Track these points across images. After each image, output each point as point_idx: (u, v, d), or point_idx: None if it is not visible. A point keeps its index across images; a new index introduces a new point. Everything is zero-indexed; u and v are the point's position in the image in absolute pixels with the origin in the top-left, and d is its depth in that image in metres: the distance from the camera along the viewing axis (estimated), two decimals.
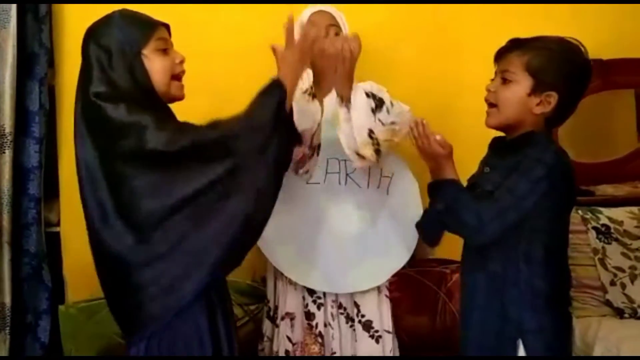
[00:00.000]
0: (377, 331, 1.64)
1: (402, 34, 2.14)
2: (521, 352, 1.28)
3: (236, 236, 1.20)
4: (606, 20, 2.13)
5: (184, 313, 1.21)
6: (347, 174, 1.64)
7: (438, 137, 1.36)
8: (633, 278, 1.93)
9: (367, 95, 1.56)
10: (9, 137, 1.98)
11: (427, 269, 2.04)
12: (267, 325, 1.71)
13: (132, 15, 1.31)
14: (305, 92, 1.35)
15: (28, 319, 2.09)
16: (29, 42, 2.02)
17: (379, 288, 1.66)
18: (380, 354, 1.64)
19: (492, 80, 1.36)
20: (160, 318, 1.21)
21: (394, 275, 2.00)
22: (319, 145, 1.47)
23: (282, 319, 1.65)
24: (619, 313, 1.92)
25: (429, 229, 1.46)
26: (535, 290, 1.29)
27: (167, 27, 1.34)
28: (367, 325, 1.64)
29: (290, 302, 1.64)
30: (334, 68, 1.37)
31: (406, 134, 1.46)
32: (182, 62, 1.34)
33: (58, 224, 2.17)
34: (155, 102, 1.29)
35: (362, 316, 1.64)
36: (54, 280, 2.11)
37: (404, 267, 2.04)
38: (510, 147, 1.34)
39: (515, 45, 1.33)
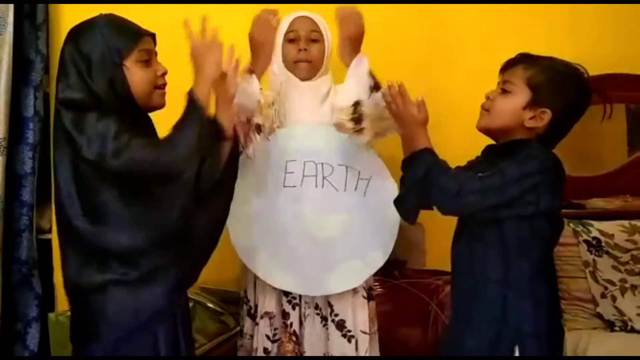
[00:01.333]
0: (349, 331, 1.64)
1: (395, 35, 2.16)
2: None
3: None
4: (599, 35, 2.16)
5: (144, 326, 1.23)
6: (324, 177, 1.65)
7: (419, 99, 1.35)
8: (623, 291, 1.94)
9: (370, 73, 1.62)
10: (2, 143, 1.98)
11: (418, 281, 2.04)
12: (247, 322, 1.71)
13: (117, 23, 1.28)
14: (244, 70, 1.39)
15: (17, 326, 2.07)
16: (26, 49, 2.03)
17: (354, 290, 1.66)
18: (353, 354, 1.64)
19: (494, 89, 1.37)
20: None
21: (385, 287, 2.02)
22: (259, 126, 1.53)
23: (262, 317, 1.66)
24: (610, 326, 1.92)
25: (408, 201, 1.40)
26: (535, 294, 1.30)
27: (152, 36, 1.32)
28: (340, 325, 1.64)
29: (269, 302, 1.65)
30: (271, 43, 1.49)
31: (392, 125, 1.46)
32: (164, 74, 1.32)
33: (50, 231, 2.17)
34: (133, 113, 1.27)
35: (335, 315, 1.64)
36: (44, 288, 2.10)
37: (396, 279, 2.05)
38: (503, 153, 1.34)
39: (523, 59, 1.35)
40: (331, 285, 1.63)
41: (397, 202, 1.45)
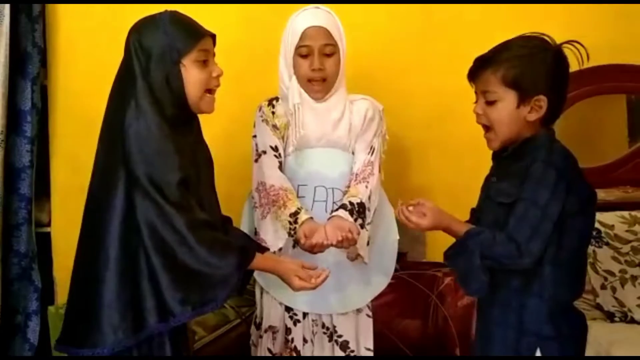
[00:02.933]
0: (352, 351, 1.66)
1: (399, 35, 2.15)
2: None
3: None
4: (598, 26, 2.15)
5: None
6: (333, 202, 1.62)
7: (410, 209, 1.33)
8: (623, 282, 1.94)
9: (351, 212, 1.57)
10: (0, 137, 1.97)
11: (419, 272, 2.04)
12: (253, 331, 1.72)
13: (180, 20, 1.30)
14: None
15: (17, 319, 2.07)
16: (22, 42, 2.02)
17: (357, 309, 1.67)
18: None
19: (476, 102, 1.33)
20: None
21: None
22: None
23: (265, 331, 1.66)
24: (610, 317, 1.92)
25: (476, 284, 1.30)
26: (557, 298, 1.28)
27: (213, 37, 1.34)
28: (344, 346, 1.65)
29: (274, 316, 1.65)
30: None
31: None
32: (219, 75, 1.33)
33: (49, 224, 2.16)
34: (183, 114, 1.30)
35: (339, 336, 1.65)
36: (43, 281, 2.10)
37: (396, 270, 2.05)
38: (513, 156, 1.31)
39: (483, 63, 1.30)
40: (336, 305, 1.64)
41: (470, 289, 1.36)
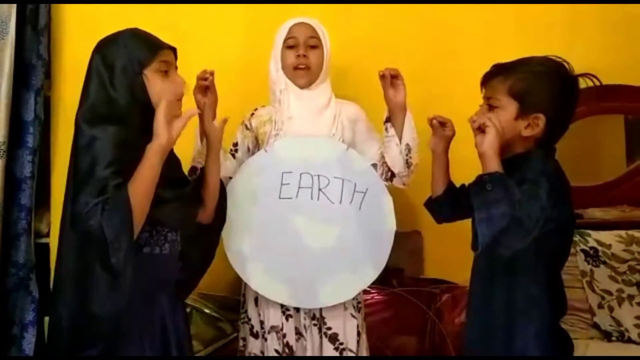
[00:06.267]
0: (342, 343, 1.65)
1: (396, 37, 2.17)
2: None
3: None
4: (597, 46, 2.18)
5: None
6: (319, 189, 1.65)
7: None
8: (620, 301, 1.95)
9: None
10: (2, 147, 1.98)
11: (416, 289, 2.04)
12: (252, 343, 1.69)
13: (139, 35, 1.36)
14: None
15: (13, 330, 2.06)
16: (27, 53, 2.04)
17: (344, 305, 1.66)
18: None
19: (481, 105, 1.36)
20: None
21: (382, 295, 2.02)
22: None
23: (269, 332, 1.65)
24: (607, 336, 1.92)
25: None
26: (543, 316, 1.27)
27: (173, 50, 1.39)
28: (333, 338, 1.64)
29: (273, 316, 1.65)
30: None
31: None
32: (181, 85, 1.37)
33: (48, 235, 2.16)
34: (150, 123, 1.30)
35: (328, 328, 1.65)
36: (41, 292, 2.09)
37: (393, 287, 2.05)
38: (507, 167, 1.29)
39: (498, 70, 1.33)
40: (323, 298, 1.63)
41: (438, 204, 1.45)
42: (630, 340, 1.90)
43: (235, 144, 1.75)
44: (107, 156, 1.23)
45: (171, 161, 1.37)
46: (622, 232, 2.02)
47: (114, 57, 1.32)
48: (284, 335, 1.64)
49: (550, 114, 1.28)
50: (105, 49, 1.34)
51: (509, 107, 1.29)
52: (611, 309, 1.94)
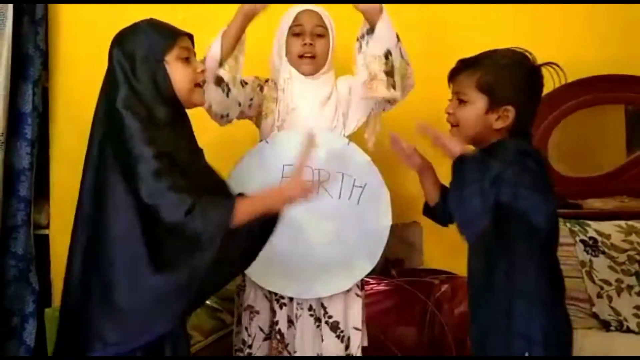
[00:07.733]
0: (342, 331, 1.66)
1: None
2: None
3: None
4: (597, 37, 2.17)
5: None
6: (319, 183, 1.65)
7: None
8: (619, 291, 1.95)
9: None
10: (0, 139, 1.98)
11: (415, 279, 2.04)
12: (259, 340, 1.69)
13: (157, 24, 1.36)
14: None
15: (14, 321, 2.07)
16: (24, 44, 2.03)
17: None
18: (343, 353, 1.65)
19: (450, 100, 1.36)
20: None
21: (382, 286, 2.02)
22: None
23: (245, 310, 1.68)
24: (606, 326, 1.93)
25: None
26: (543, 298, 1.27)
27: (190, 37, 1.39)
28: (334, 326, 1.65)
29: (253, 297, 1.67)
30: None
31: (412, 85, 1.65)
32: (203, 71, 1.39)
33: (47, 227, 2.17)
34: (174, 111, 1.33)
35: (330, 317, 1.65)
36: (41, 283, 2.10)
37: (392, 277, 2.05)
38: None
39: (464, 65, 1.34)
40: (321, 289, 1.64)
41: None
42: (629, 330, 1.90)
43: (223, 79, 1.62)
44: (146, 140, 1.24)
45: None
46: (622, 222, 2.02)
47: (134, 47, 1.30)
48: (277, 322, 1.65)
49: (519, 105, 1.30)
50: (124, 40, 1.33)
51: (478, 102, 1.31)
52: (610, 299, 1.94)
